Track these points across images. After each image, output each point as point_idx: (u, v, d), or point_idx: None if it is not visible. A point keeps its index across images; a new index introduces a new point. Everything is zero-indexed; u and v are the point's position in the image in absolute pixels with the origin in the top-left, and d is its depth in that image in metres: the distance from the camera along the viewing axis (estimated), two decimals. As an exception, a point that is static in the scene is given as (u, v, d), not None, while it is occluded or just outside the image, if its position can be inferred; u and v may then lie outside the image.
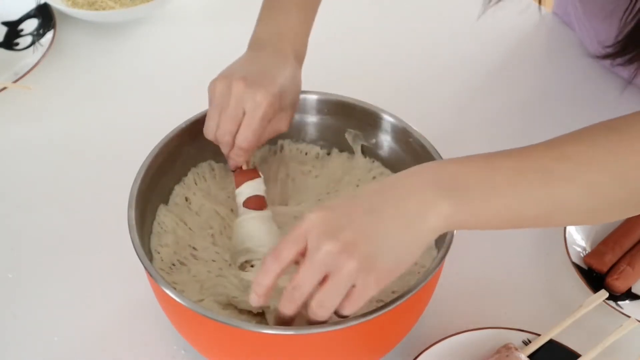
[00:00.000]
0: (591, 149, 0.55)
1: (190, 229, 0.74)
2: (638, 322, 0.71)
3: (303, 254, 0.55)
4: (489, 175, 0.55)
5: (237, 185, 0.74)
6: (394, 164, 0.78)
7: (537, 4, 0.92)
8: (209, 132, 0.72)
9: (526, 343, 0.70)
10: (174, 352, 0.72)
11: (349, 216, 0.54)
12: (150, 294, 0.67)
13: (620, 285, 0.75)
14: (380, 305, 0.60)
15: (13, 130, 0.96)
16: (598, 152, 0.55)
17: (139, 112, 0.98)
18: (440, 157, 0.71)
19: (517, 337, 0.70)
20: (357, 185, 0.79)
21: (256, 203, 0.72)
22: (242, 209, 0.73)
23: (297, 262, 0.56)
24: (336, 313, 0.57)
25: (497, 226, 0.57)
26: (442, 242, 0.65)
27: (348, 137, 0.80)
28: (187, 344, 0.69)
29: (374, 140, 0.79)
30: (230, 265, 0.72)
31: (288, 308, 0.57)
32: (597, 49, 0.90)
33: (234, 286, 0.70)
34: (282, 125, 0.74)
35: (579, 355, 0.69)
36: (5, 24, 1.09)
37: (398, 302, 0.60)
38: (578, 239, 0.80)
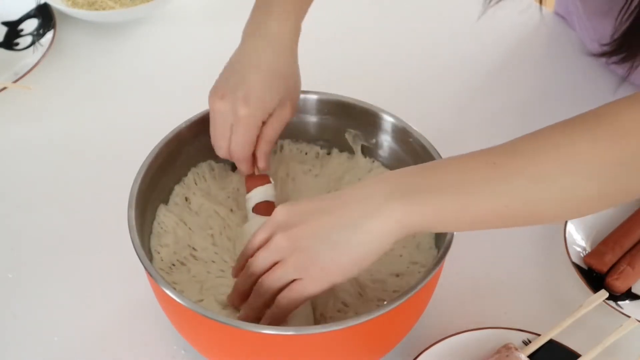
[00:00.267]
0: (542, 142, 0.55)
1: (190, 229, 0.74)
2: (638, 322, 0.71)
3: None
4: (441, 178, 0.56)
5: (248, 190, 0.74)
6: (394, 164, 0.78)
7: (537, 3, 0.92)
8: (221, 152, 0.74)
9: (526, 343, 0.70)
10: (174, 352, 0.72)
11: (305, 215, 0.58)
12: (150, 294, 0.67)
13: (620, 285, 0.75)
14: (380, 305, 0.60)
15: (13, 130, 0.96)
16: (547, 145, 0.55)
17: (139, 112, 0.98)
18: (440, 157, 0.71)
19: (517, 337, 0.70)
20: (357, 185, 0.79)
21: (266, 209, 0.72)
22: (251, 214, 0.73)
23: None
24: (275, 307, 0.61)
25: (461, 227, 0.58)
26: (442, 242, 0.65)
27: (348, 137, 0.80)
28: (187, 344, 0.69)
29: (374, 140, 0.79)
30: (230, 266, 0.72)
31: (241, 283, 0.63)
32: (597, 48, 0.90)
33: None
34: (286, 114, 0.74)
35: (579, 355, 0.69)
36: (5, 24, 1.09)
37: (398, 302, 0.60)
38: (578, 239, 0.80)
